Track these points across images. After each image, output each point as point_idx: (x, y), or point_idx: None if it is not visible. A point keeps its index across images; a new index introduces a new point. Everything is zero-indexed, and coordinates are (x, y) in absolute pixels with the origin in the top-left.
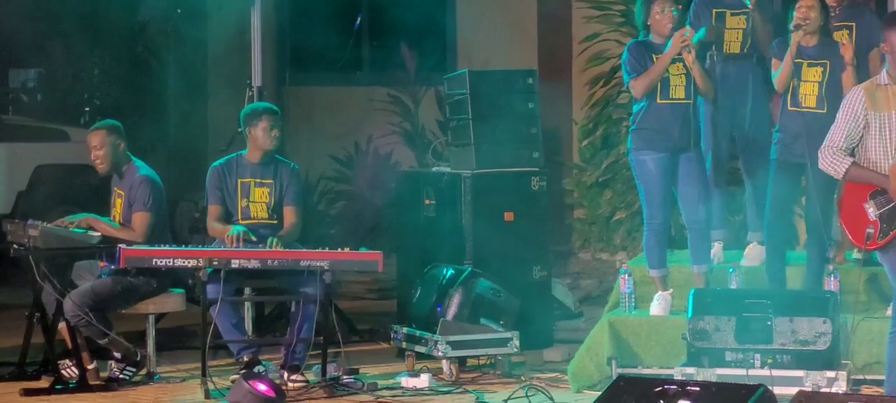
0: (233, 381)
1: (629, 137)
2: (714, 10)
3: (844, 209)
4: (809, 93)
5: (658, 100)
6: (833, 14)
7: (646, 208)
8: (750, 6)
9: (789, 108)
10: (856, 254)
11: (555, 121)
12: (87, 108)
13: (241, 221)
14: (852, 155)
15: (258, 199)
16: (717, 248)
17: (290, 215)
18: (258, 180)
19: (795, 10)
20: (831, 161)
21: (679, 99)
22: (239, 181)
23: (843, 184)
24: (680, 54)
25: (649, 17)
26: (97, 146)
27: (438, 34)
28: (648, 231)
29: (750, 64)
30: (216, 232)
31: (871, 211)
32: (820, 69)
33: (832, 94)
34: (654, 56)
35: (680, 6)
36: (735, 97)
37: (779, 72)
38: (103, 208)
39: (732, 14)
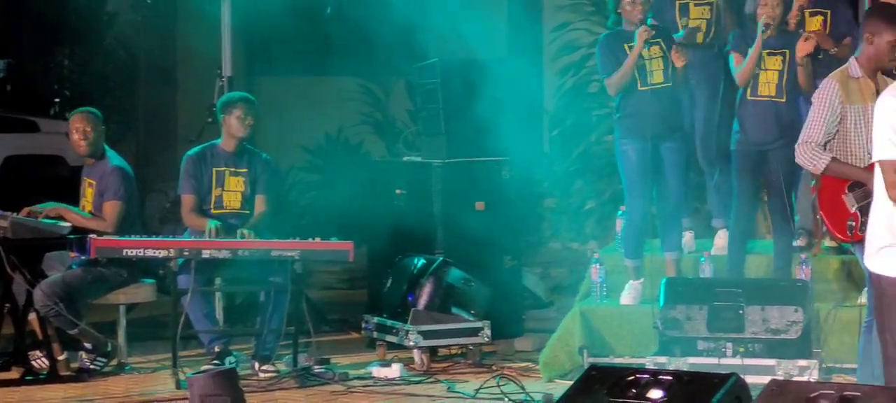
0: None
1: (614, 125)
2: (677, 2)
3: (823, 201)
4: (770, 81)
5: (639, 88)
6: None
7: (627, 196)
8: None
9: (748, 98)
10: (828, 243)
11: (525, 110)
12: (56, 99)
13: (213, 210)
14: (826, 147)
15: (233, 188)
16: (688, 237)
17: (260, 204)
18: (233, 169)
19: (761, 8)
20: (810, 157)
21: (658, 83)
22: (214, 170)
23: (819, 176)
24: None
25: (619, 6)
26: (85, 128)
27: (409, 23)
28: (628, 220)
29: (712, 53)
30: (192, 223)
31: (851, 203)
32: (780, 58)
33: (791, 83)
34: (625, 45)
35: None
36: (698, 86)
37: (742, 66)
38: (73, 199)
39: (696, 4)
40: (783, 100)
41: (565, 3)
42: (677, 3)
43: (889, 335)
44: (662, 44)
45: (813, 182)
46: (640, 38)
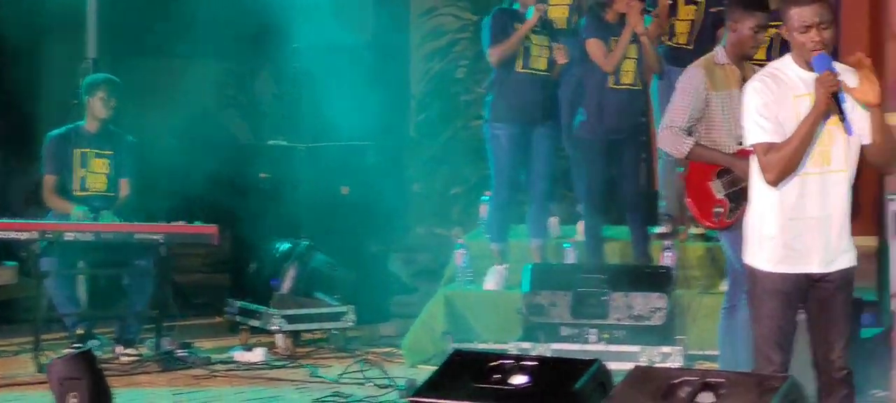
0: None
1: (485, 107)
2: None
3: (690, 188)
4: (629, 70)
5: (518, 69)
6: None
7: (494, 180)
8: None
9: (610, 86)
10: (694, 229)
11: (391, 95)
12: None
13: (78, 192)
14: (691, 133)
15: (97, 170)
16: (553, 223)
17: (124, 187)
18: (97, 151)
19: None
20: (673, 141)
21: (539, 69)
22: (78, 151)
23: (687, 163)
24: (541, 26)
25: None
26: None
27: (275, 6)
28: (494, 204)
29: (575, 40)
30: (55, 204)
31: (718, 189)
32: (635, 47)
33: (643, 71)
34: (516, 24)
35: None
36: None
37: (612, 54)
38: None
39: None
40: (639, 87)
41: None
42: None
43: (757, 325)
44: (549, 38)
45: (680, 169)
46: (536, 14)
